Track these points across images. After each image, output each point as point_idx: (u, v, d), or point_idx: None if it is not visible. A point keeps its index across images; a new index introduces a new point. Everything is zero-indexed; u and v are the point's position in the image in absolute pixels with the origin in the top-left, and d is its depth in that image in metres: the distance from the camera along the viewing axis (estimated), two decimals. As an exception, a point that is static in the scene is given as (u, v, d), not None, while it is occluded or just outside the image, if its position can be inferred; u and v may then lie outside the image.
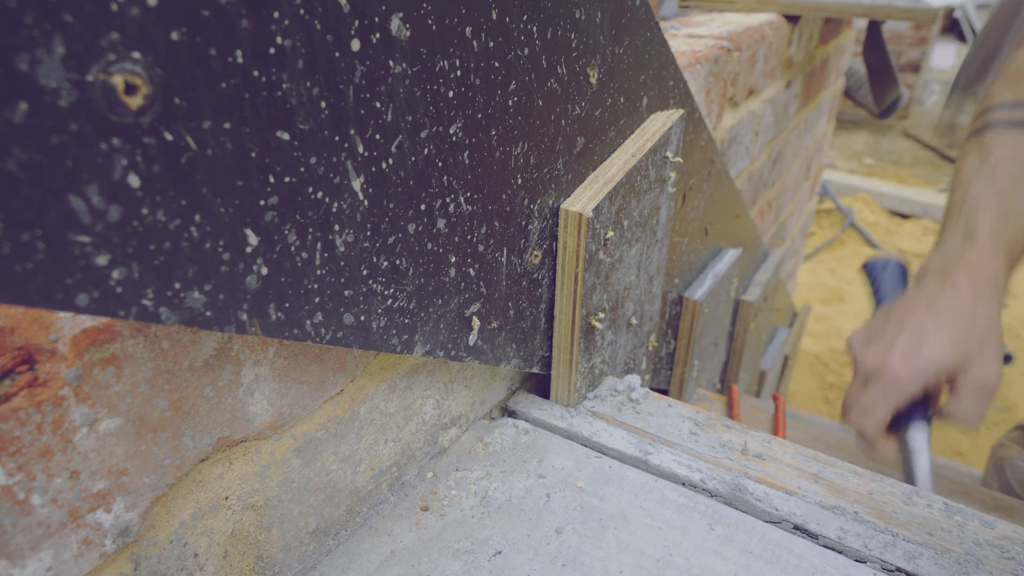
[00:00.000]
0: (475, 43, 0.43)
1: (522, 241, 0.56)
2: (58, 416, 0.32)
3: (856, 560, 0.53)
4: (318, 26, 0.33)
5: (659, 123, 0.69)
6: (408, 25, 0.38)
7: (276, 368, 0.43)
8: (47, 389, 0.31)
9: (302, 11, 0.31)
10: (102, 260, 0.27)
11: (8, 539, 0.31)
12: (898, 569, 0.51)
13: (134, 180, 0.27)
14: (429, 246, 0.46)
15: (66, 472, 0.33)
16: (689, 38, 1.04)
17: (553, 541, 0.54)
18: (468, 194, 0.47)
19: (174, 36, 0.27)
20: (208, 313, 0.32)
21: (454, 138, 0.44)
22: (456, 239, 0.48)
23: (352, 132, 0.36)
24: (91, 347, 0.32)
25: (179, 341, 0.36)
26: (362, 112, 0.37)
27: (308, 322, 0.38)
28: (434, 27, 0.39)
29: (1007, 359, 0.93)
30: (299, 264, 0.36)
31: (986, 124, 0.77)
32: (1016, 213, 0.72)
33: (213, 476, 0.42)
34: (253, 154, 0.31)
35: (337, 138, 0.36)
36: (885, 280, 0.90)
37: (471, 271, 0.51)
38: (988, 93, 0.81)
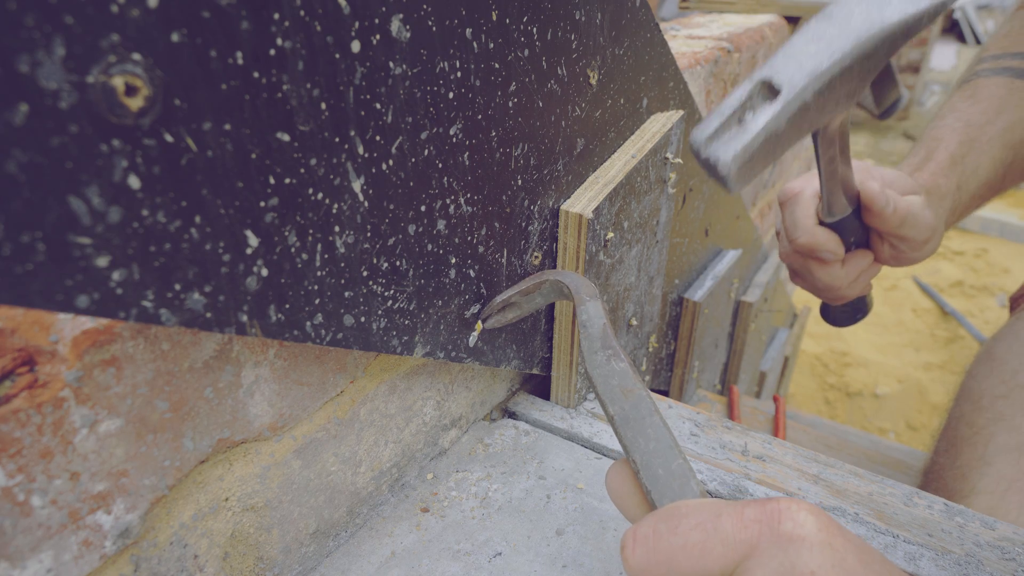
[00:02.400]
0: (475, 44, 0.43)
1: (522, 242, 0.56)
2: (58, 418, 0.32)
3: (857, 561, 0.53)
4: (318, 28, 0.33)
5: (659, 124, 0.69)
6: (408, 27, 0.38)
7: (276, 369, 0.43)
8: (47, 390, 0.31)
9: (302, 13, 0.32)
10: (102, 262, 0.27)
11: (8, 540, 0.31)
12: (899, 570, 0.51)
13: (134, 182, 0.27)
14: (429, 247, 0.46)
15: (66, 473, 0.33)
16: (689, 39, 1.04)
17: (554, 542, 0.53)
18: (468, 195, 0.47)
19: (174, 38, 0.27)
20: (208, 314, 0.32)
21: (454, 139, 0.44)
22: (456, 240, 0.48)
23: (352, 133, 0.36)
24: (91, 349, 0.32)
25: (179, 342, 0.36)
26: (362, 113, 0.37)
27: (308, 323, 0.38)
28: (434, 29, 0.39)
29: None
30: (299, 265, 0.36)
31: (975, 73, 0.82)
32: (981, 143, 0.75)
33: (213, 477, 0.42)
34: (253, 155, 0.32)
35: (337, 139, 0.36)
36: None
37: (471, 272, 0.51)
38: (979, 51, 0.86)
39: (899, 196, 0.67)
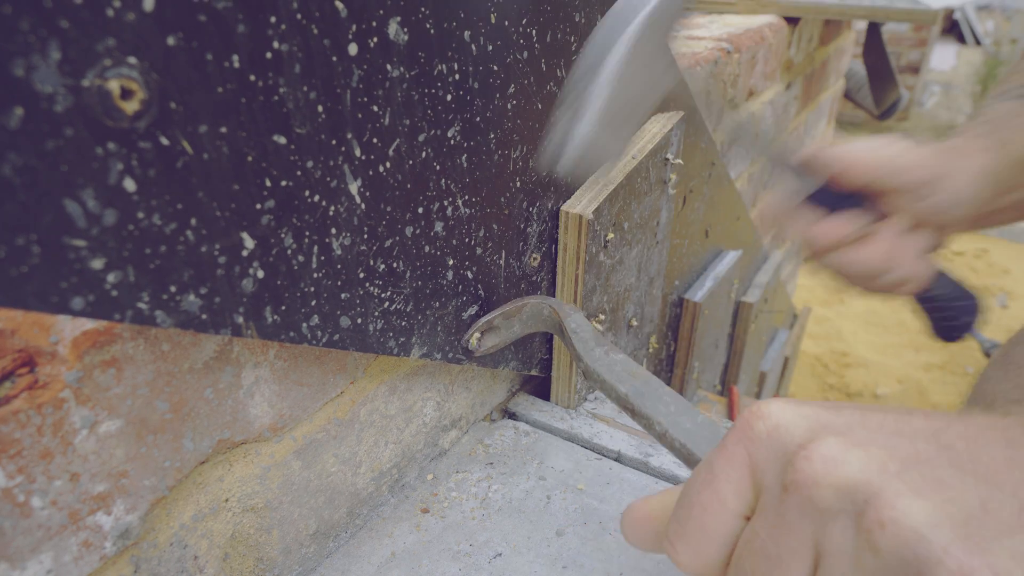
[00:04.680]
0: (473, 47, 0.43)
1: (521, 244, 0.56)
2: (58, 418, 0.32)
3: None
4: (315, 31, 0.33)
5: (659, 125, 0.69)
6: (406, 29, 0.38)
7: (276, 370, 0.43)
8: (47, 391, 0.32)
9: (299, 16, 0.32)
10: (97, 264, 0.27)
11: (8, 541, 0.32)
12: (898, 570, 0.51)
13: (130, 184, 0.27)
14: (427, 249, 0.46)
15: (66, 474, 0.33)
16: (689, 40, 1.04)
17: (554, 543, 0.54)
18: (466, 197, 0.48)
19: (170, 41, 0.27)
20: (204, 316, 0.32)
21: (452, 141, 0.44)
22: (454, 242, 0.48)
23: (349, 136, 0.37)
24: (91, 349, 0.33)
25: (179, 343, 0.36)
26: (359, 116, 0.37)
27: (304, 325, 0.38)
28: (432, 31, 0.40)
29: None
30: (295, 267, 0.36)
31: (991, 99, 0.81)
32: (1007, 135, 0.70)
33: (213, 478, 0.42)
34: (249, 158, 0.32)
35: (334, 142, 0.36)
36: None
37: (469, 274, 0.51)
38: (991, 89, 0.85)
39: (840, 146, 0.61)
